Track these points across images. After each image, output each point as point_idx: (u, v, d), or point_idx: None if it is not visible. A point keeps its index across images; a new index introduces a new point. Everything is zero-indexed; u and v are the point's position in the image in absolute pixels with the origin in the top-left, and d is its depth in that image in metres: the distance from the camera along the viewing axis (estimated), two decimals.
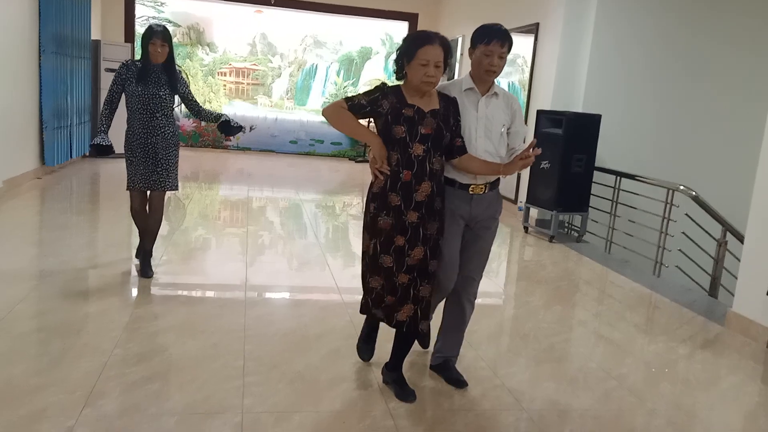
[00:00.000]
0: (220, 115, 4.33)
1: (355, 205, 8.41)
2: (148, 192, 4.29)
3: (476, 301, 3.15)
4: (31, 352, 3.16)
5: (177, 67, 4.22)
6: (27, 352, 3.15)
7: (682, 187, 5.32)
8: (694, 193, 5.28)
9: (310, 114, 13.26)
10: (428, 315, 2.88)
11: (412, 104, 2.74)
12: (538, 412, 2.91)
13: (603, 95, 6.69)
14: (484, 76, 2.86)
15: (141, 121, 4.13)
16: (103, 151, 4.03)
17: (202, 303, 4.10)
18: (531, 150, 2.71)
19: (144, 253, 4.40)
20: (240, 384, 2.93)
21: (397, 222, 2.76)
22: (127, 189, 4.27)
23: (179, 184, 4.37)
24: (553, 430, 2.78)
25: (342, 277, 4.75)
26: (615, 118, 6.56)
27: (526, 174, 7.00)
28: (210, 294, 4.33)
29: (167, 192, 4.31)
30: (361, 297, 2.97)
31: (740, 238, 5.39)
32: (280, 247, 5.85)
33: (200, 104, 4.38)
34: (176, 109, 4.37)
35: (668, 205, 5.43)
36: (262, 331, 3.61)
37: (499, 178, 2.98)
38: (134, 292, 4.14)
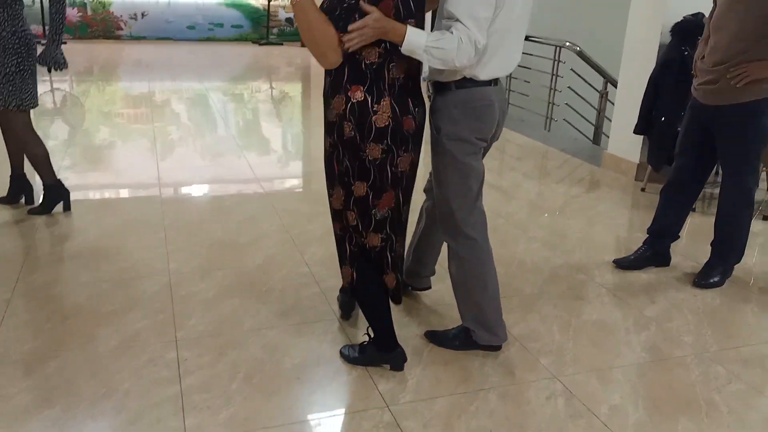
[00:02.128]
0: (53, 38, 3.28)
1: (264, 90, 8.39)
2: None
3: None
4: None
5: None
6: None
7: (567, 44, 5.67)
8: (578, 48, 5.66)
9: None
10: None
11: None
12: None
13: None
14: None
15: None
16: None
17: (116, 204, 4.21)
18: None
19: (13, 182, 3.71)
20: (164, 252, 3.18)
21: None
22: None
23: (26, 101, 3.34)
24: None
25: (259, 165, 4.94)
26: None
27: None
28: (124, 194, 4.36)
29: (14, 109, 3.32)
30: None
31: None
32: (191, 142, 5.89)
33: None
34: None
35: (556, 62, 5.80)
36: (180, 207, 3.82)
37: None
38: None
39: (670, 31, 4.12)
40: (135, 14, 12.30)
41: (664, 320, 2.67)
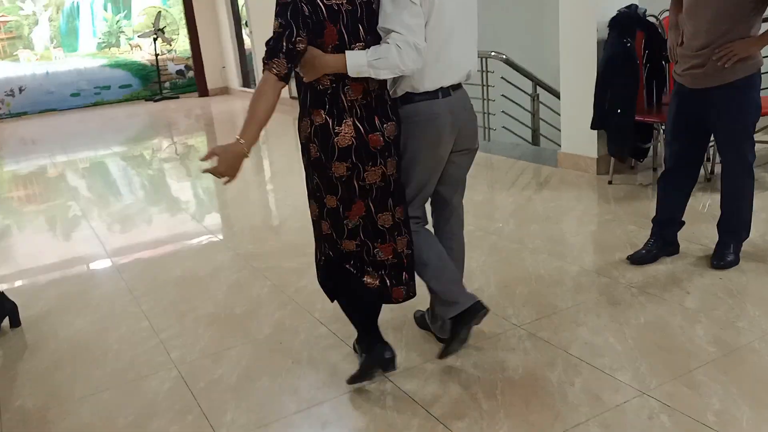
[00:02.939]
0: None
1: (166, 147, 7.95)
2: None
3: None
4: None
5: None
6: None
7: (493, 53, 5.72)
8: (504, 56, 5.71)
9: (86, 60, 11.94)
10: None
11: None
12: None
13: None
14: None
15: None
16: None
17: (71, 299, 3.72)
18: None
19: None
20: (157, 341, 2.80)
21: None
22: None
23: None
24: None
25: (206, 217, 4.58)
26: None
27: None
28: (71, 285, 3.93)
29: None
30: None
31: (549, 90, 6.02)
32: (114, 214, 5.42)
33: None
34: None
35: (485, 73, 5.83)
36: (150, 286, 3.42)
37: None
38: None
39: (608, 26, 4.21)
40: (11, 90, 11.41)
41: (709, 309, 2.63)
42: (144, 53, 12.34)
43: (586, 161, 4.68)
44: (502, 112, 5.93)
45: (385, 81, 2.08)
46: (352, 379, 2.29)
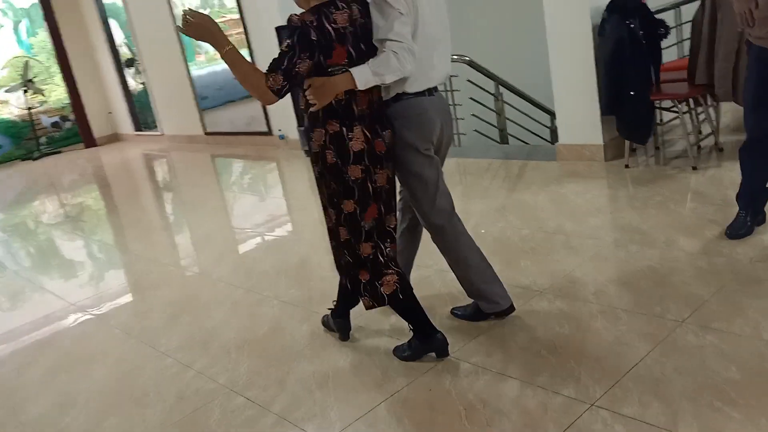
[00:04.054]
0: None
1: (50, 211, 7.04)
2: None
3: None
4: None
5: None
6: None
7: (455, 57, 5.56)
8: (467, 58, 5.58)
9: None
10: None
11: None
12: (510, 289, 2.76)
13: None
14: None
15: None
16: None
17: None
18: None
19: None
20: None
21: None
22: None
23: None
24: (522, 299, 2.80)
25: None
26: None
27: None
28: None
29: None
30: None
31: (512, 90, 5.98)
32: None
33: None
34: None
35: (450, 78, 5.65)
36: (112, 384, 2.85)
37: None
38: None
39: (607, 11, 4.18)
40: None
41: None
42: (12, 108, 11.00)
43: (591, 149, 4.62)
44: (473, 115, 5.79)
45: (380, 93, 2.36)
46: (406, 358, 2.50)
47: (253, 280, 3.68)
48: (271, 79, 2.14)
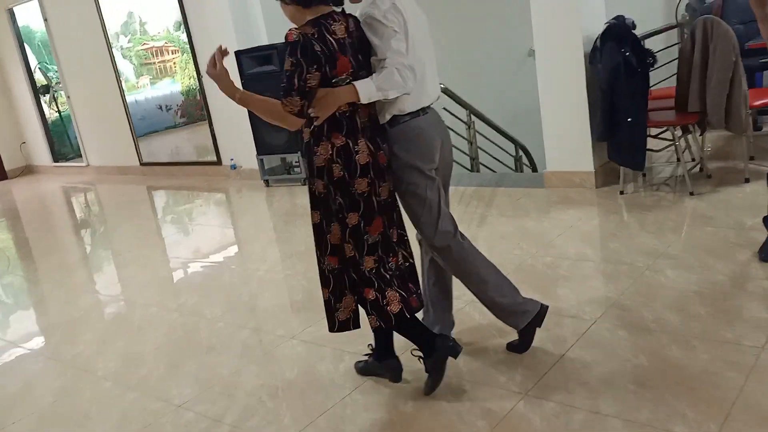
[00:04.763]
0: None
1: None
2: None
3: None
4: None
5: None
6: None
7: None
8: (442, 85, 5.49)
9: None
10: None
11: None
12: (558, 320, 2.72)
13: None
14: None
15: None
16: None
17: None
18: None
19: None
20: None
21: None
22: None
23: None
24: (577, 330, 2.69)
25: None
26: None
27: (241, 127, 6.27)
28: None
29: None
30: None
31: (482, 119, 5.95)
32: None
33: None
34: None
35: None
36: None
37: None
38: None
39: (601, 38, 4.22)
40: None
41: None
42: None
43: (581, 176, 4.61)
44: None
45: (375, 109, 2.34)
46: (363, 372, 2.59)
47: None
48: (287, 103, 2.15)
